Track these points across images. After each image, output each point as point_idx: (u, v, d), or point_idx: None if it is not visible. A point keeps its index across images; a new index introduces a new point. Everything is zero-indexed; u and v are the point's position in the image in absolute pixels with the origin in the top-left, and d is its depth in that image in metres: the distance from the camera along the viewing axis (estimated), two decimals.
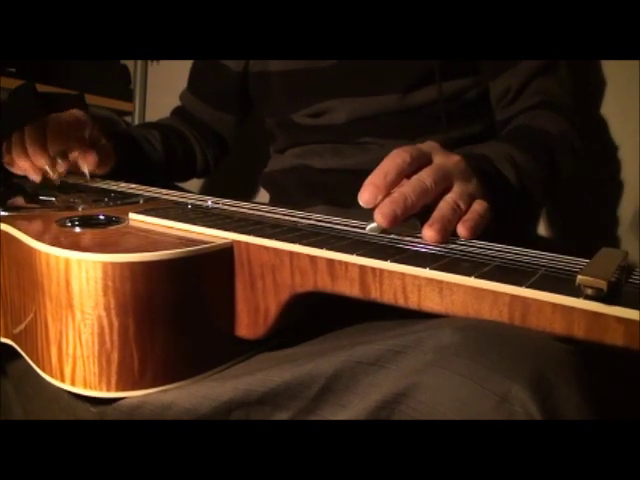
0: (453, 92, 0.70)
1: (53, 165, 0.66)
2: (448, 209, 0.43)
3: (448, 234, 0.42)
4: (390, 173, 0.42)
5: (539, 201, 0.66)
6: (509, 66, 0.69)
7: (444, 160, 0.46)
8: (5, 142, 0.68)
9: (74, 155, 0.68)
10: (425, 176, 0.43)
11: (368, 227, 0.43)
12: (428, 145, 0.47)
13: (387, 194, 0.42)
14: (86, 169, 0.68)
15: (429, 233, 0.41)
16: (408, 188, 0.42)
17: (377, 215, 0.41)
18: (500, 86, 0.70)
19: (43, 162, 0.65)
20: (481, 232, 0.43)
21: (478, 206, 0.44)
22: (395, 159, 0.43)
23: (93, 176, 0.73)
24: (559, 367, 0.30)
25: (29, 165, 0.66)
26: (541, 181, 0.62)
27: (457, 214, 0.43)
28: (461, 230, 0.42)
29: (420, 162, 0.44)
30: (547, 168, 0.63)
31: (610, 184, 0.87)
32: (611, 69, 0.89)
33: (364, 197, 0.42)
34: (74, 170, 0.70)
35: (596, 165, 0.73)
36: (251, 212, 0.52)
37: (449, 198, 0.44)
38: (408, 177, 0.44)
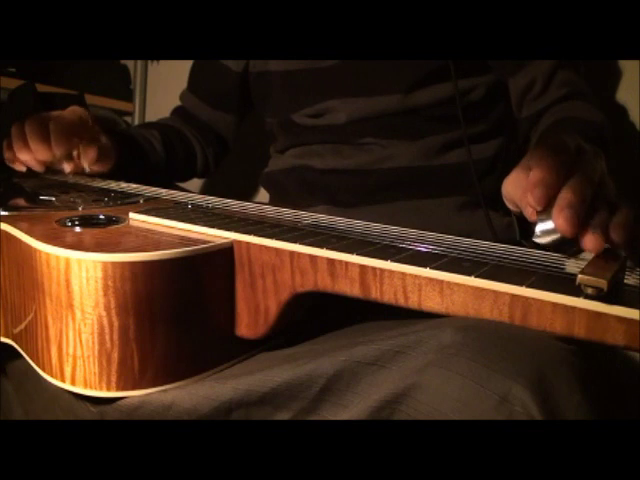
0: (458, 92, 0.69)
1: (56, 158, 0.67)
2: (606, 212, 0.37)
3: (606, 241, 0.37)
4: (561, 170, 0.37)
5: None
6: (526, 61, 0.69)
7: (592, 154, 0.42)
8: (5, 140, 0.68)
9: (76, 152, 0.69)
10: (588, 171, 0.39)
11: (541, 232, 0.38)
12: (571, 136, 0.42)
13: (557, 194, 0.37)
14: (86, 164, 0.69)
15: (591, 239, 0.36)
16: (581, 186, 0.37)
17: (559, 220, 0.35)
18: (522, 81, 0.70)
19: (46, 156, 0.66)
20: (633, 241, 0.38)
21: (625, 209, 0.39)
22: (560, 155, 0.38)
23: (93, 175, 0.73)
24: (559, 367, 0.30)
25: (31, 158, 0.67)
26: None
27: (611, 216, 0.38)
28: (615, 237, 0.37)
29: (576, 156, 0.40)
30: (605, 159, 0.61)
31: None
32: (622, 62, 0.89)
33: (536, 196, 0.37)
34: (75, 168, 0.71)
35: None
36: (251, 212, 0.52)
37: (604, 198, 0.39)
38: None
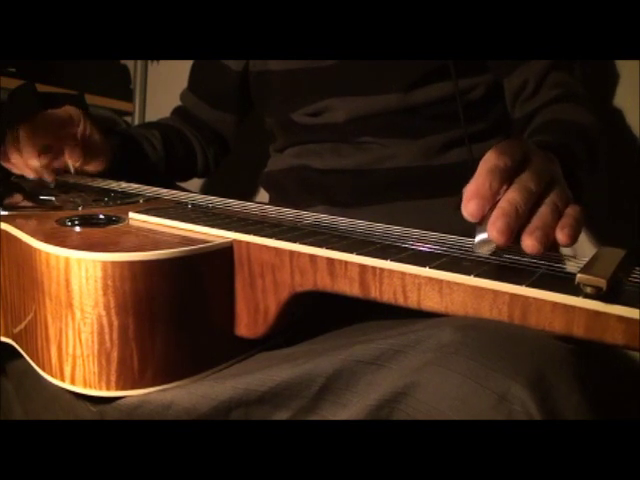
0: (458, 91, 0.69)
1: (46, 166, 0.66)
2: (549, 215, 0.38)
3: (549, 243, 0.37)
4: (495, 180, 0.37)
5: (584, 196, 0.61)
6: (522, 61, 0.69)
7: (542, 159, 0.42)
8: (4, 143, 0.69)
9: (62, 151, 0.69)
10: (529, 179, 0.39)
11: (478, 242, 0.38)
12: (520, 142, 0.42)
13: (494, 204, 0.37)
14: (71, 165, 0.69)
15: (530, 242, 0.36)
16: (516, 195, 0.37)
17: (492, 232, 0.36)
18: (516, 81, 0.70)
19: (35, 162, 0.65)
20: (578, 238, 0.38)
21: (572, 210, 0.39)
22: (497, 164, 0.38)
23: (93, 175, 0.73)
24: (559, 366, 0.30)
25: (22, 163, 0.67)
26: (587, 174, 0.60)
27: (557, 219, 0.38)
28: (561, 237, 0.37)
29: (519, 163, 0.40)
30: (590, 161, 0.60)
31: (608, 182, 0.87)
32: (621, 64, 0.89)
33: (470, 209, 0.37)
34: (65, 168, 0.71)
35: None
36: (252, 212, 0.52)
37: (550, 202, 0.39)
38: (507, 180, 0.39)
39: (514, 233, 0.36)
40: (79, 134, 0.71)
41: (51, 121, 0.68)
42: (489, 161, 0.38)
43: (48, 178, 0.68)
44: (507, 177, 0.38)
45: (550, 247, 0.38)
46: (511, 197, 0.37)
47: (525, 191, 0.38)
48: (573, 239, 0.37)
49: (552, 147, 0.52)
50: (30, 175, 0.68)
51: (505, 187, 0.38)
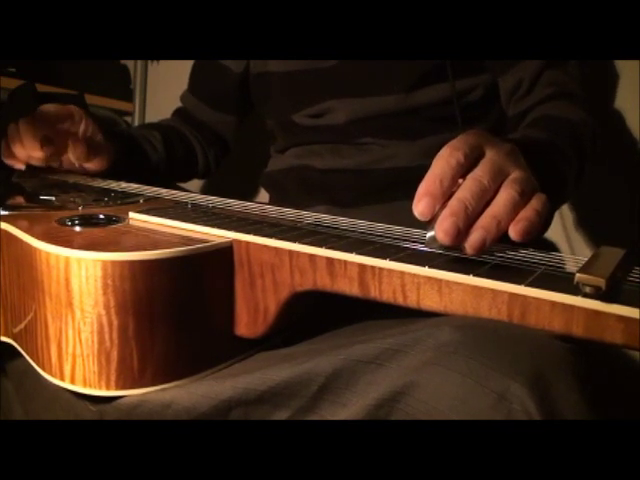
0: (457, 93, 0.69)
1: (49, 156, 0.68)
2: (502, 209, 0.37)
3: (497, 237, 0.37)
4: (446, 178, 0.37)
5: (571, 192, 0.61)
6: (517, 60, 0.69)
7: (497, 150, 0.41)
8: (4, 140, 0.69)
9: (65, 146, 0.70)
10: (481, 174, 0.38)
11: (428, 239, 0.38)
12: (476, 135, 0.42)
13: (444, 202, 0.37)
14: (75, 160, 0.70)
15: (469, 242, 0.36)
16: (466, 192, 0.37)
17: (439, 232, 0.36)
18: (511, 80, 0.70)
19: (39, 153, 0.67)
20: (537, 232, 0.37)
21: (536, 201, 0.38)
22: (449, 160, 0.38)
23: (93, 175, 0.73)
24: (558, 365, 0.30)
25: (27, 155, 0.68)
26: (575, 170, 0.60)
27: (514, 211, 0.37)
28: (512, 232, 0.37)
29: (473, 158, 0.39)
30: (578, 157, 0.60)
31: (608, 182, 0.87)
32: (621, 64, 0.89)
33: (420, 209, 0.37)
34: (69, 165, 0.72)
35: (593, 162, 0.73)
36: (252, 212, 0.52)
37: (505, 194, 0.38)
38: (462, 176, 0.39)
39: (462, 232, 0.36)
40: (81, 132, 0.72)
41: (50, 114, 0.69)
42: (441, 158, 0.38)
43: (54, 164, 0.70)
44: (460, 173, 0.38)
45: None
46: (461, 195, 0.37)
47: (477, 187, 0.37)
48: (526, 235, 0.37)
49: (535, 141, 0.52)
50: (40, 163, 0.69)
51: (461, 182, 0.38)
